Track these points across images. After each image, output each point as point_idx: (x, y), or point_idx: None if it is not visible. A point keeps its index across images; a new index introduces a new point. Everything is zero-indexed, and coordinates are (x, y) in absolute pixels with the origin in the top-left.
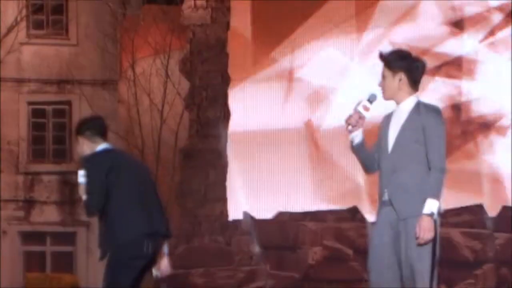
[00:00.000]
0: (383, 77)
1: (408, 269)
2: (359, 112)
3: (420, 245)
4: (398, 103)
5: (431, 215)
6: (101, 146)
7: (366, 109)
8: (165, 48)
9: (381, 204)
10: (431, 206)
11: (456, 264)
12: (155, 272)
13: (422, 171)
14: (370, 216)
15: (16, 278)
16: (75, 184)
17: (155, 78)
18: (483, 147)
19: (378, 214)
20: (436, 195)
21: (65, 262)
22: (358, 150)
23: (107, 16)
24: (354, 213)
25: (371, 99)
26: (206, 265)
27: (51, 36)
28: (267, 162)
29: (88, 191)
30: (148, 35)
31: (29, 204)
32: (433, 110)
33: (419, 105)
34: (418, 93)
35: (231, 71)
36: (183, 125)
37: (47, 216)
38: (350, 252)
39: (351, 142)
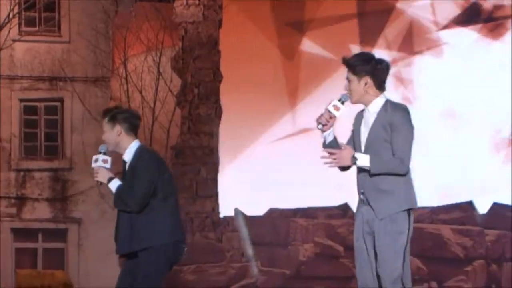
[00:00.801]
0: (349, 81)
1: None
2: (329, 112)
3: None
4: (366, 105)
5: (354, 159)
6: (136, 142)
7: (337, 108)
8: (157, 45)
9: (359, 203)
10: (363, 158)
11: (447, 261)
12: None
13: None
14: None
15: (7, 275)
16: (67, 181)
17: (147, 75)
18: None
19: (357, 212)
20: (376, 163)
21: (57, 259)
22: (328, 147)
23: (99, 13)
24: (345, 210)
25: (343, 99)
26: (198, 262)
27: (43, 33)
28: (258, 159)
29: (132, 186)
30: (140, 32)
31: (21, 201)
32: (400, 108)
33: (387, 104)
34: (385, 92)
35: (223, 68)
36: (175, 122)
37: (39, 213)
38: (341, 249)
39: (324, 141)
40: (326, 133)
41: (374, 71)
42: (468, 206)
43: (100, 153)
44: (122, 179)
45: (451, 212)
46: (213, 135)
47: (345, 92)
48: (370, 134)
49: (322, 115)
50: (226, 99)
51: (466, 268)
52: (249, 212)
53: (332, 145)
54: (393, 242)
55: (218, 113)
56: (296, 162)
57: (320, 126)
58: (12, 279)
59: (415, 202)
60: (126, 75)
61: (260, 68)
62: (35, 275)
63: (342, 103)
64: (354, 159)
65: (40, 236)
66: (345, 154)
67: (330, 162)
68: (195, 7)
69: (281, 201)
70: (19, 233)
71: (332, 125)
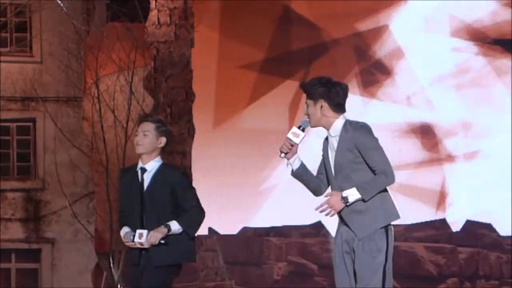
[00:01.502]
0: (307, 106)
1: (359, 285)
2: (290, 139)
3: (327, 214)
4: (327, 129)
5: (345, 199)
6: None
7: (296, 136)
8: (129, 65)
9: (338, 223)
10: (352, 193)
11: (420, 279)
12: (138, 239)
13: None
14: (334, 232)
15: None
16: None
17: (120, 95)
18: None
19: (336, 232)
20: (365, 190)
21: (30, 279)
22: (298, 176)
23: (70, 34)
24: (318, 229)
25: (302, 126)
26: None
27: (15, 53)
28: (232, 177)
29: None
30: (112, 52)
31: None
32: (360, 127)
33: (346, 125)
34: (345, 113)
35: (195, 87)
36: None
37: (12, 233)
38: (314, 267)
39: (291, 169)
40: (291, 161)
41: (329, 94)
42: (441, 223)
43: (299, 127)
44: None
45: (424, 230)
46: (186, 155)
47: (305, 117)
48: (337, 157)
49: (283, 143)
50: (198, 118)
51: (440, 286)
52: (222, 231)
53: (299, 173)
54: (371, 260)
55: (191, 132)
56: (269, 181)
57: (282, 154)
58: None
59: (395, 216)
60: (98, 95)
61: (232, 86)
62: None
63: (303, 129)
64: (345, 200)
65: (13, 257)
66: (334, 201)
67: (328, 213)
68: (167, 26)
69: (255, 220)
70: None
71: (295, 152)
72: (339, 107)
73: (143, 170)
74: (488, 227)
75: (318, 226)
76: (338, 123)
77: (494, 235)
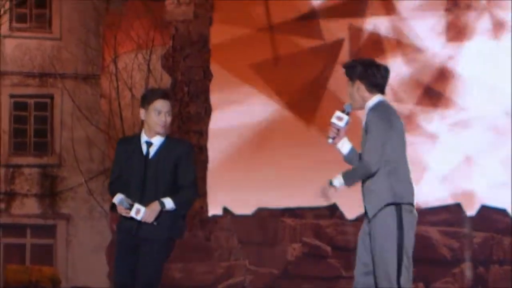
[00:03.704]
0: (348, 87)
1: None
2: (334, 124)
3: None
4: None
5: (330, 181)
6: (378, 97)
7: (340, 119)
8: (148, 43)
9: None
10: (338, 179)
11: (434, 263)
12: (135, 215)
13: (380, 172)
14: (349, 214)
15: None
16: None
17: (137, 73)
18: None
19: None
20: (346, 175)
21: (45, 255)
22: (348, 160)
23: (90, 11)
24: (333, 211)
25: (347, 109)
26: (185, 260)
27: (34, 29)
28: (248, 158)
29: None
30: (130, 30)
31: (10, 196)
32: (377, 109)
33: (374, 106)
34: (382, 95)
35: (213, 67)
36: None
37: (28, 208)
38: (328, 249)
39: (342, 154)
40: (339, 146)
41: (365, 75)
42: (456, 208)
43: (343, 111)
44: None
45: (439, 214)
46: (203, 134)
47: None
48: (362, 139)
49: (330, 129)
50: (216, 97)
51: (453, 270)
52: (237, 211)
53: (350, 157)
54: (383, 242)
55: (208, 111)
56: (285, 162)
57: (330, 140)
58: (0, 274)
59: (404, 198)
60: (116, 73)
61: (251, 66)
62: (23, 271)
63: (347, 113)
64: (329, 182)
65: (28, 232)
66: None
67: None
68: (186, 5)
69: (270, 200)
70: (8, 229)
71: (342, 137)
72: (375, 88)
73: (149, 144)
74: (503, 212)
75: (333, 208)
76: (369, 104)
77: (509, 220)
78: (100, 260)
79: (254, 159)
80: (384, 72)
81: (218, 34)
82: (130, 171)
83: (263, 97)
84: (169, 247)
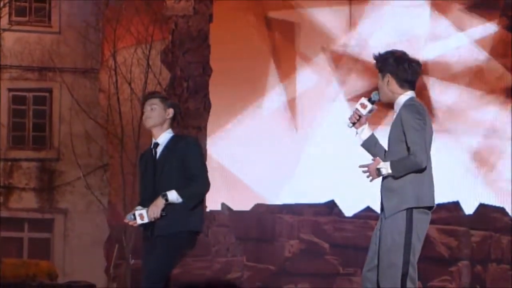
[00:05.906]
0: (378, 79)
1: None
2: (357, 110)
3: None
4: (393, 103)
5: (378, 170)
6: (409, 93)
7: (364, 106)
8: (147, 38)
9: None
10: (385, 166)
11: (432, 261)
12: (140, 221)
13: None
14: (347, 211)
15: None
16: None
17: (136, 68)
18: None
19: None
20: (395, 167)
21: (42, 249)
22: (366, 147)
23: (89, 5)
24: (331, 207)
25: (373, 98)
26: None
27: (34, 23)
28: (246, 154)
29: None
30: (130, 25)
31: (7, 190)
32: (410, 105)
33: (405, 102)
34: (412, 91)
35: (212, 62)
36: None
37: (25, 202)
38: (326, 246)
39: (359, 139)
40: (358, 131)
41: (396, 70)
42: (455, 206)
43: (369, 99)
44: None
45: (437, 212)
46: (202, 129)
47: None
48: (390, 134)
49: (352, 113)
50: (215, 93)
51: (451, 268)
52: (235, 207)
53: (367, 144)
54: (391, 242)
55: (207, 107)
56: (283, 158)
57: (350, 125)
58: None
59: (425, 202)
60: (115, 67)
61: (250, 62)
62: (20, 264)
63: (373, 102)
64: (378, 171)
65: (26, 226)
66: (371, 168)
67: (368, 177)
68: (186, 1)
69: (268, 196)
70: (5, 222)
71: (363, 123)
72: (406, 84)
73: (156, 145)
74: (501, 210)
75: (331, 205)
76: (401, 100)
77: (507, 219)
78: (97, 255)
79: (252, 154)
80: (415, 68)
81: (218, 29)
82: (145, 180)
83: (264, 92)
84: (183, 240)
